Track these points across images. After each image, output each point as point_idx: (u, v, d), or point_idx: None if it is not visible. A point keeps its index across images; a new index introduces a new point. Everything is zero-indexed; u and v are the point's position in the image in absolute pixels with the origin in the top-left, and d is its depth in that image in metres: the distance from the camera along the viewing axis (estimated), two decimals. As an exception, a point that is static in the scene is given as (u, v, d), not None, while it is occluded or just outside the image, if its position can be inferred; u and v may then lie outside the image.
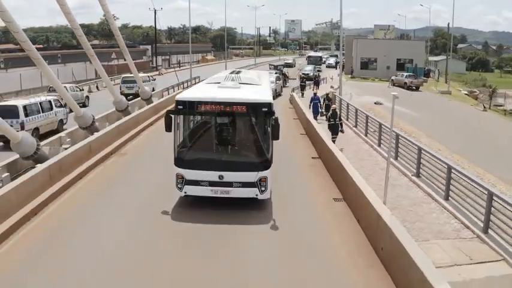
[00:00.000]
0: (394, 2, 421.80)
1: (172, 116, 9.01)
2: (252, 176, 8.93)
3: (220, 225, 8.59)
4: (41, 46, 68.11)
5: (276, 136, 8.96)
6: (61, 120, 19.67)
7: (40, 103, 18.52)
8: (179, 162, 9.08)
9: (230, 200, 9.14)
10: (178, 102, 9.01)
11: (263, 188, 9.02)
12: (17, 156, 11.99)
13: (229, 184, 8.93)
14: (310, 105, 22.79)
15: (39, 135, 17.11)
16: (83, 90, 30.43)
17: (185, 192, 9.08)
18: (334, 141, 16.14)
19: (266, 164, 9.04)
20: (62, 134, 15.12)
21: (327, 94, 24.59)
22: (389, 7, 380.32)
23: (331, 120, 16.90)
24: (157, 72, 53.34)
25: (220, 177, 8.86)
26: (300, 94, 32.57)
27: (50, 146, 13.72)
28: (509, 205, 8.39)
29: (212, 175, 8.90)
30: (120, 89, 30.21)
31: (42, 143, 12.71)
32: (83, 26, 15.75)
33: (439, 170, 11.31)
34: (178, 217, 8.99)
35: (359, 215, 9.32)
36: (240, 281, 6.88)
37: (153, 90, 31.26)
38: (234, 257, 7.51)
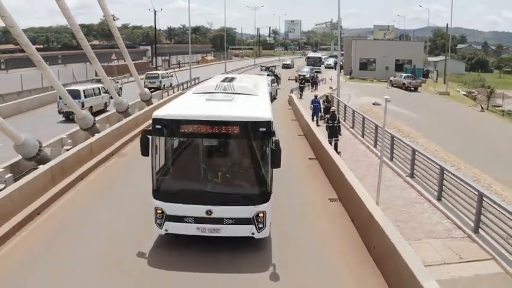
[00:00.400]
0: (395, 2, 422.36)
1: (150, 137, 7.39)
2: (246, 211, 7.39)
3: (208, 274, 7.16)
4: (41, 46, 68.36)
5: (276, 163, 7.26)
6: (105, 103, 26.36)
7: (93, 89, 25.10)
8: (158, 193, 7.50)
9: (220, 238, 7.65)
10: (155, 121, 7.31)
11: (261, 225, 7.47)
12: (20, 157, 12.24)
13: (219, 221, 7.36)
14: (310, 108, 22.72)
15: (93, 112, 21.85)
16: (118, 82, 36.33)
17: (166, 230, 7.54)
18: (336, 144, 16.27)
19: (264, 197, 7.47)
20: (63, 135, 15.36)
21: (327, 96, 24.62)
22: (390, 7, 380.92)
23: (330, 122, 16.96)
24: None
25: (208, 212, 7.32)
26: (299, 95, 32.45)
27: (52, 147, 13.97)
28: (498, 206, 8.65)
29: (198, 210, 7.34)
30: (144, 83, 34.89)
31: (44, 144, 12.94)
32: (82, 26, 16.09)
33: (432, 171, 11.56)
34: (155, 262, 7.46)
35: (353, 214, 9.59)
36: None
37: (171, 85, 37.01)
38: None
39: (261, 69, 46.64)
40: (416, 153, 12.70)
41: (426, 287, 5.97)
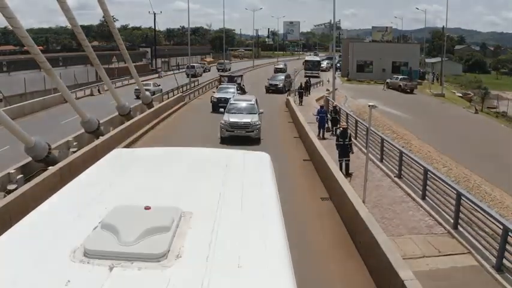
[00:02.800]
0: (395, 2, 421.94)
1: None
2: None
3: None
4: (41, 48, 68.85)
5: None
6: (200, 74, 54.31)
7: (198, 65, 59.34)
8: None
9: None
10: None
11: None
12: (29, 159, 12.94)
13: None
14: (316, 119, 20.34)
15: (197, 74, 52.56)
16: (207, 64, 68.41)
17: None
18: (347, 165, 14.42)
19: None
20: (70, 138, 16.05)
21: (334, 107, 23.49)
22: (390, 8, 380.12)
23: (340, 140, 14.62)
24: (157, 75, 54.23)
25: None
26: (298, 102, 30.46)
27: (59, 149, 14.67)
28: (475, 204, 9.37)
29: None
30: (217, 68, 64.54)
31: (53, 146, 13.65)
32: (82, 27, 16.71)
33: (418, 172, 12.27)
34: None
35: (342, 212, 10.34)
36: None
37: (230, 69, 63.03)
38: None
39: (222, 81, 36.37)
40: (403, 155, 13.40)
41: (402, 275, 6.74)
